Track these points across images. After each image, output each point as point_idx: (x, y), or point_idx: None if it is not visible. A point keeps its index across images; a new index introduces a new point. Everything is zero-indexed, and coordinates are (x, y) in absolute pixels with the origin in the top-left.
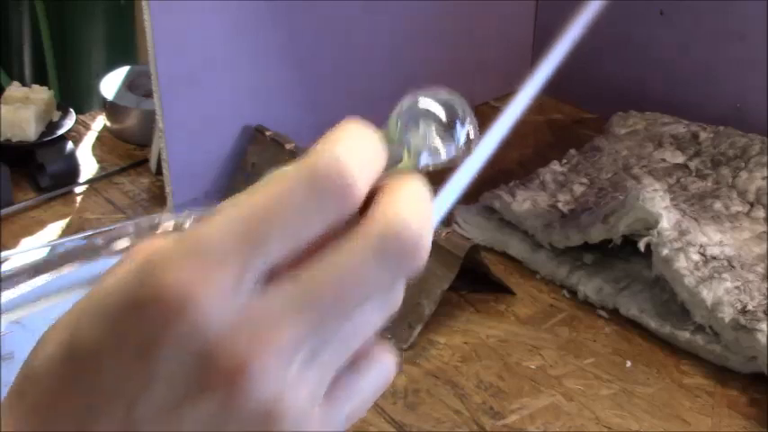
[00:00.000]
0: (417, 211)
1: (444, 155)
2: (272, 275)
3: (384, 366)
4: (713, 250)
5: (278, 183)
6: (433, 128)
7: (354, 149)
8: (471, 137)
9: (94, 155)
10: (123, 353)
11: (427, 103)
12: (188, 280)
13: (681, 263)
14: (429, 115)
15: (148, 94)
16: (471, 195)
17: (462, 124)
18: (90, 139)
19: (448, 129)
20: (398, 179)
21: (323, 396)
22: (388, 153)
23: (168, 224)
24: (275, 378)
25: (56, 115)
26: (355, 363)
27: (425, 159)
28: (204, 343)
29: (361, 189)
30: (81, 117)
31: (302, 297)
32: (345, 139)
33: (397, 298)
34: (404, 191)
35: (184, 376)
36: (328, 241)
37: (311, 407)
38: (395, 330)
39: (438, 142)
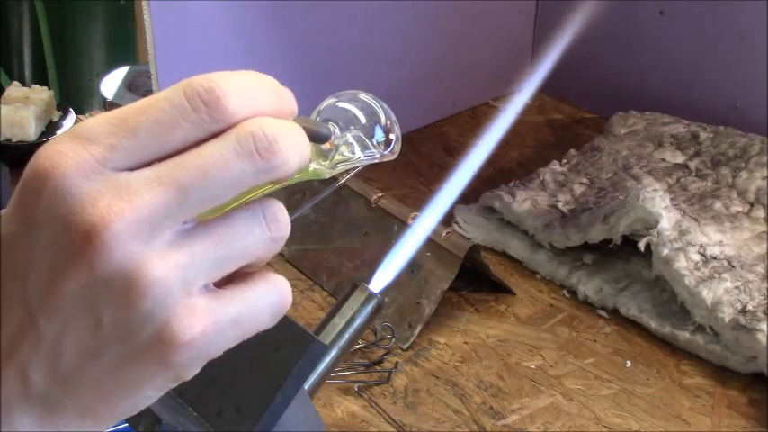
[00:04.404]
0: (275, 122)
1: (358, 154)
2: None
3: (275, 285)
4: (713, 250)
5: (156, 94)
6: (351, 128)
7: (235, 79)
8: (392, 138)
9: None
10: (19, 232)
11: (345, 104)
12: (55, 153)
13: (681, 263)
14: (348, 115)
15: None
16: (471, 195)
17: (381, 126)
18: None
19: (365, 130)
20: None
21: (204, 288)
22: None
23: None
24: (131, 245)
25: (56, 115)
26: (244, 277)
27: (340, 157)
28: (67, 208)
29: (233, 107)
30: (81, 117)
31: (165, 172)
32: (231, 74)
33: (276, 228)
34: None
35: (56, 244)
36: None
37: (182, 290)
38: (395, 330)
39: (353, 141)
